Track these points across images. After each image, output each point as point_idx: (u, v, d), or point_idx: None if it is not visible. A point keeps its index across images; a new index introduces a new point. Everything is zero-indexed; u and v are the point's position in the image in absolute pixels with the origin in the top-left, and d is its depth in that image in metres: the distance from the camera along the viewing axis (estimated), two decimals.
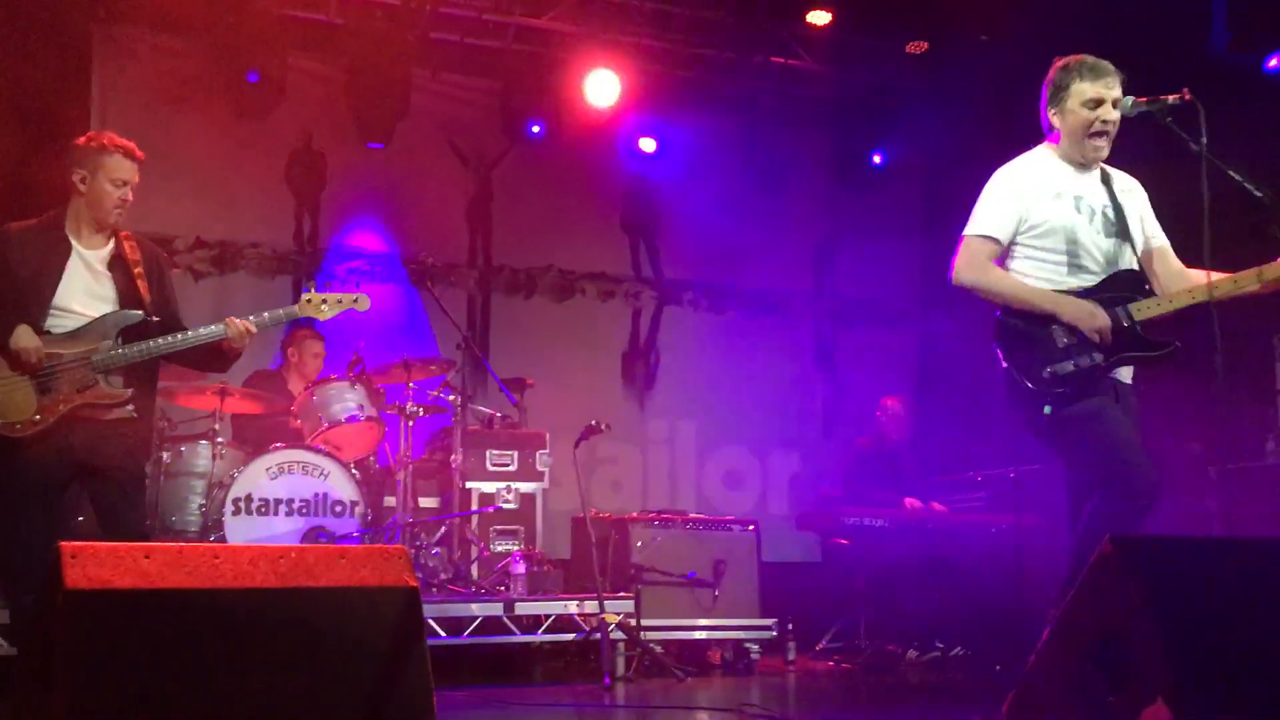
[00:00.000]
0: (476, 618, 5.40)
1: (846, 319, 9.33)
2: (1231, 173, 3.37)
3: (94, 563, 2.53)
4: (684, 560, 6.00)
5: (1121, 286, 3.63)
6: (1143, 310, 3.57)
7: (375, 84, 7.54)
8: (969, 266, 3.72)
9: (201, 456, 5.65)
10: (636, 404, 8.73)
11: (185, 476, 5.63)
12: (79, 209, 3.97)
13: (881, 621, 6.81)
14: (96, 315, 3.90)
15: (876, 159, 8.73)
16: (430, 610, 5.19)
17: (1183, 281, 3.63)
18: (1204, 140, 3.39)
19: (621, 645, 5.47)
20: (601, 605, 5.35)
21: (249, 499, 5.40)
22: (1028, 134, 3.92)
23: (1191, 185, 3.41)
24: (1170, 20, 6.52)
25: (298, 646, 2.69)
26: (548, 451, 6.77)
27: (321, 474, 5.54)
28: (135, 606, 2.54)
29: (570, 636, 5.62)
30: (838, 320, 9.33)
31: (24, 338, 3.76)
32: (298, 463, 5.52)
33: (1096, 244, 3.68)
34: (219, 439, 5.65)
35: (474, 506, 6.42)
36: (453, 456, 6.29)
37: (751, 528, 6.33)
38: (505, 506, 6.57)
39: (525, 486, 6.68)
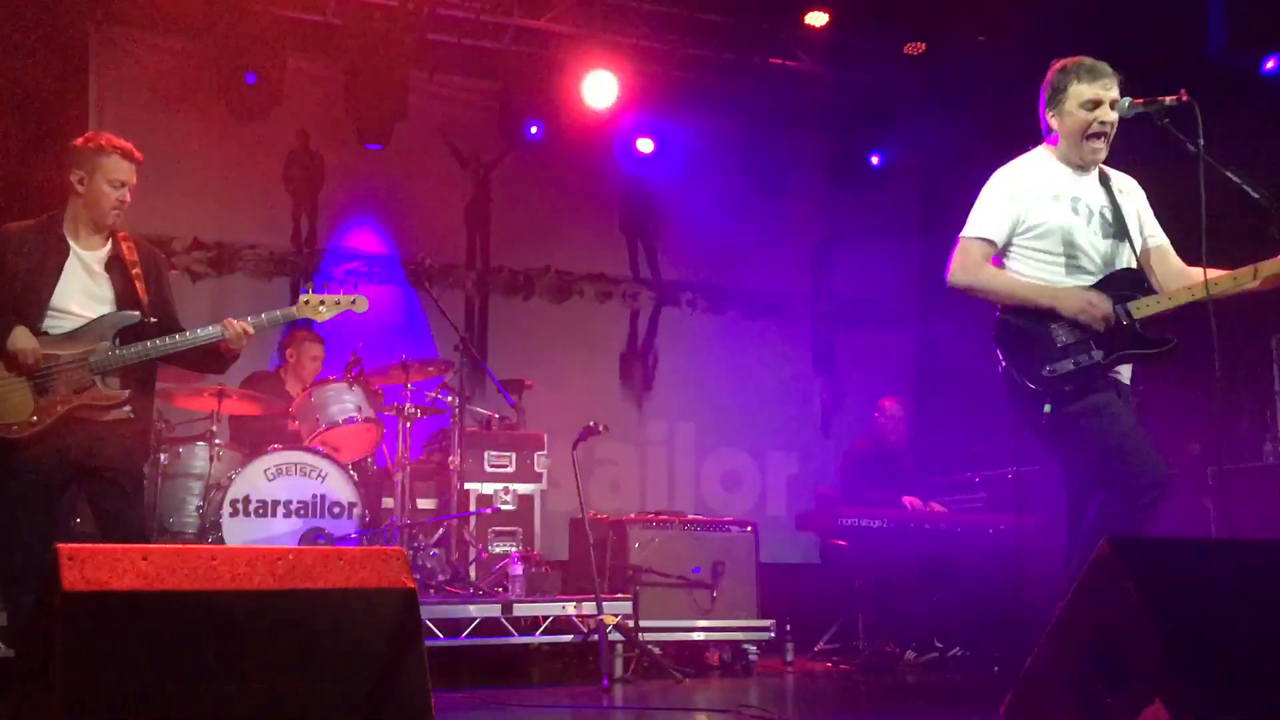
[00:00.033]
0: (474, 619, 5.40)
1: (844, 320, 9.34)
2: (1229, 174, 3.37)
3: (92, 565, 2.52)
4: (682, 561, 6.00)
5: (1120, 285, 3.63)
6: (1142, 308, 3.57)
7: (373, 85, 7.54)
8: (963, 268, 3.72)
9: (199, 458, 5.65)
10: (634, 405, 8.73)
11: (183, 478, 5.62)
12: (77, 210, 3.97)
13: (880, 622, 6.81)
14: (94, 316, 3.90)
15: (874, 160, 8.74)
16: (428, 611, 5.19)
17: (1183, 280, 3.64)
18: (1201, 142, 3.40)
19: (620, 646, 5.47)
20: (599, 606, 5.35)
21: (247, 500, 5.39)
22: (1025, 135, 3.92)
23: (1189, 187, 3.41)
24: (1167, 22, 6.53)
25: (295, 648, 2.69)
26: (546, 453, 6.77)
27: (319, 475, 5.53)
28: (133, 608, 2.53)
29: (568, 638, 5.61)
30: (836, 321, 9.33)
31: (21, 339, 3.76)
32: (295, 464, 5.52)
33: (1094, 245, 3.68)
34: (217, 440, 5.65)
35: (472, 508, 6.42)
36: (451, 458, 6.28)
37: (749, 529, 6.33)
38: (503, 508, 6.57)
39: (523, 488, 6.68)
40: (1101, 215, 3.71)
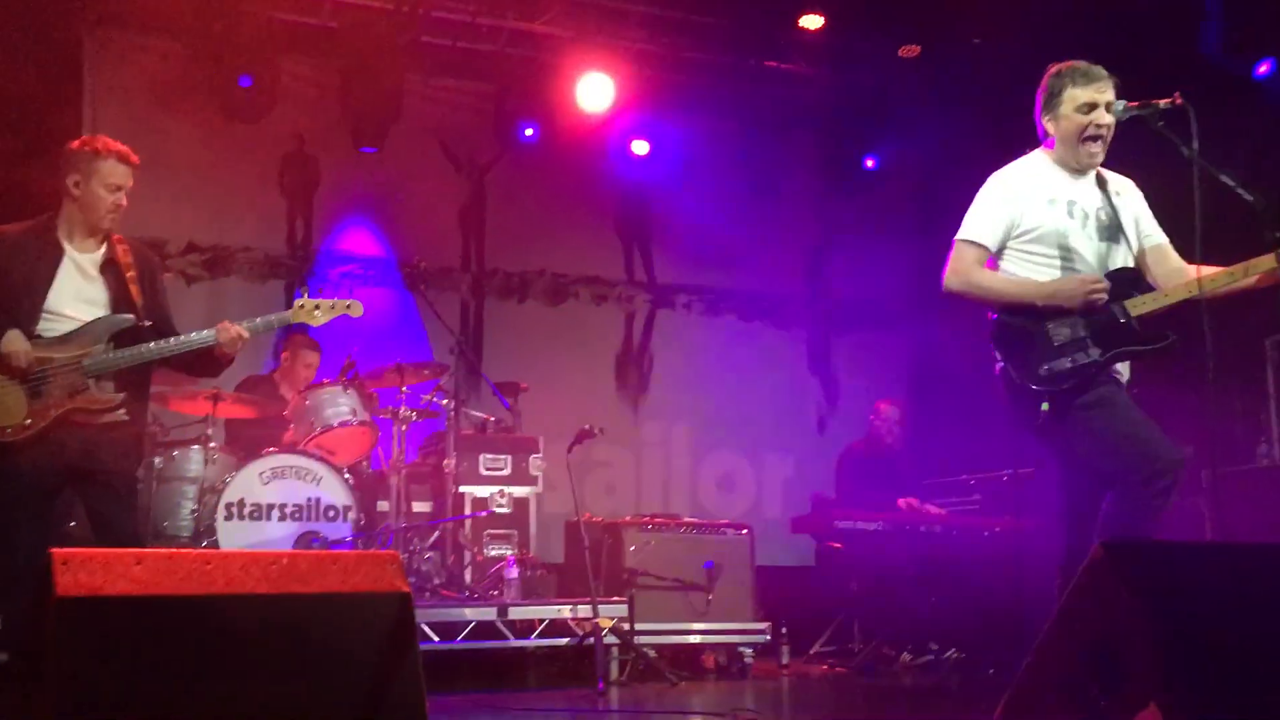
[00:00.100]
0: (470, 622, 5.40)
1: (840, 322, 9.35)
2: (1223, 177, 3.38)
3: (85, 570, 2.52)
4: (678, 564, 6.00)
5: (1117, 284, 3.64)
6: (1138, 306, 3.58)
7: (368, 88, 7.53)
8: (956, 272, 3.73)
9: (194, 461, 5.64)
10: (630, 408, 8.73)
11: (177, 481, 5.61)
12: (72, 213, 3.95)
13: (875, 625, 6.82)
14: (88, 319, 3.89)
15: (869, 162, 8.74)
16: (423, 615, 5.18)
17: (1181, 278, 3.64)
18: (1195, 144, 3.41)
19: (615, 650, 5.47)
20: (595, 610, 5.35)
21: (241, 504, 5.39)
22: (1021, 137, 3.92)
23: (1183, 189, 3.42)
24: (1162, 25, 6.55)
25: (290, 653, 2.69)
26: (541, 456, 6.77)
27: (314, 479, 5.53)
28: (127, 613, 2.53)
29: (564, 641, 5.61)
30: (831, 323, 9.34)
31: (13, 341, 3.75)
32: (290, 467, 5.51)
33: (1089, 248, 3.69)
34: (211, 444, 5.64)
35: (467, 511, 6.41)
36: (446, 461, 6.28)
37: (745, 531, 6.33)
38: (498, 511, 6.56)
39: (518, 491, 6.68)
40: (1097, 218, 3.72)
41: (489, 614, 5.43)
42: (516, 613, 5.52)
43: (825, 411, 9.21)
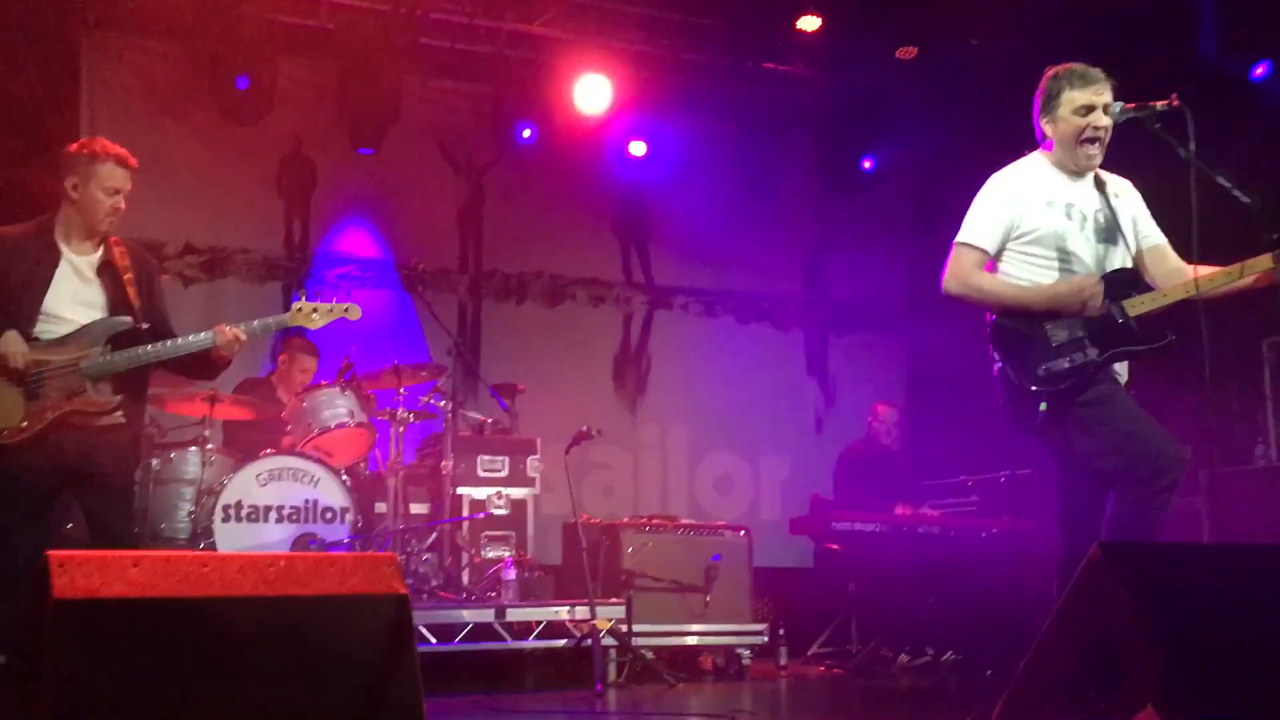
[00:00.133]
0: (467, 624, 5.39)
1: (837, 324, 9.36)
2: (1219, 178, 3.38)
3: (82, 572, 2.51)
4: (675, 566, 6.00)
5: (1115, 284, 3.64)
6: (1136, 306, 3.58)
7: (366, 90, 7.54)
8: (955, 275, 3.74)
9: (191, 463, 5.63)
10: (628, 409, 8.73)
11: (175, 483, 5.60)
12: (70, 216, 3.95)
13: (873, 626, 6.82)
14: (86, 322, 3.88)
15: (866, 164, 8.75)
16: (421, 617, 5.18)
17: (1179, 278, 3.65)
18: (1192, 146, 3.41)
19: (613, 651, 5.47)
20: (593, 611, 5.35)
21: (239, 506, 5.38)
22: (1018, 138, 3.93)
23: (1180, 191, 3.42)
24: (1159, 26, 6.55)
25: (287, 655, 2.68)
26: (539, 457, 6.77)
27: (312, 480, 5.52)
28: (124, 615, 2.53)
29: (562, 643, 5.61)
30: (828, 325, 9.35)
31: (9, 343, 3.74)
32: (288, 469, 5.50)
33: (1087, 250, 3.70)
34: (209, 445, 5.63)
35: (465, 513, 6.41)
36: (443, 462, 6.27)
37: (743, 533, 6.33)
38: (496, 512, 6.56)
39: (516, 492, 6.67)
40: (1095, 220, 3.73)
41: (487, 616, 5.43)
42: (514, 614, 5.52)
43: (823, 412, 9.22)
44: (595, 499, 7.86)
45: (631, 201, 8.85)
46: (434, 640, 5.27)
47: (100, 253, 3.99)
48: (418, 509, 6.62)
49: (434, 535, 6.18)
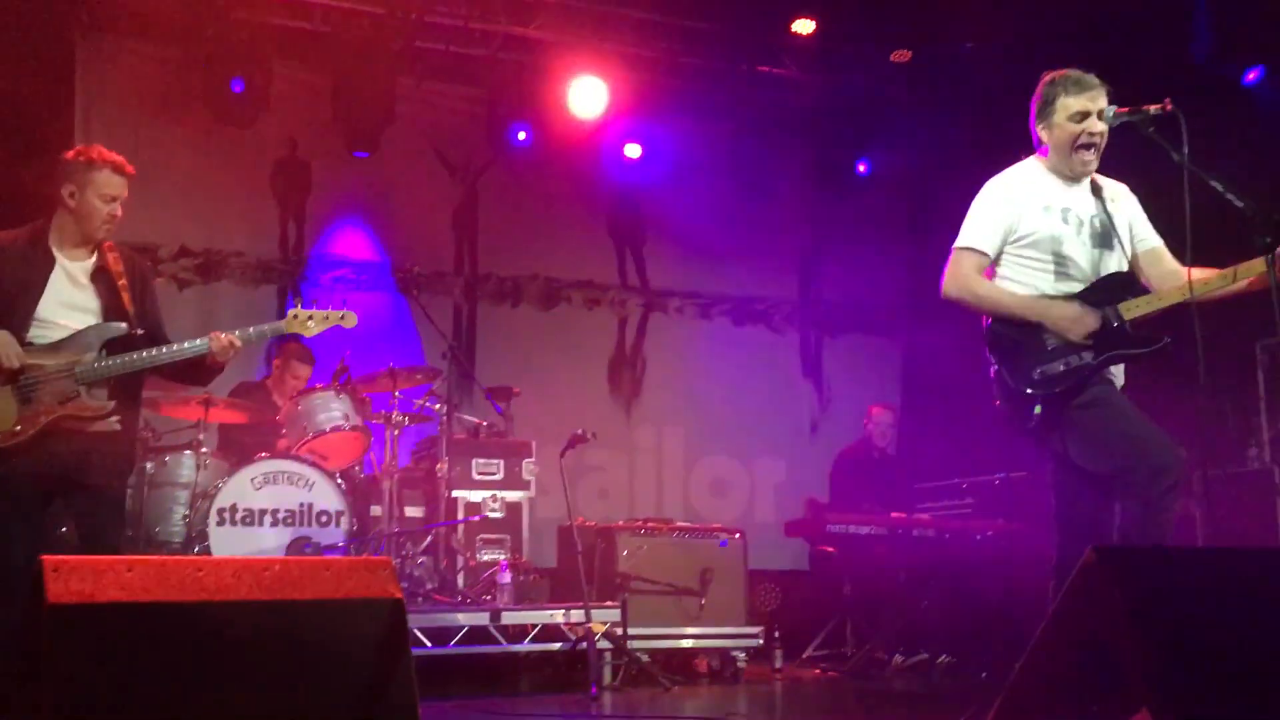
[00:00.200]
0: (462, 627, 5.39)
1: (832, 326, 9.37)
2: (1213, 182, 3.39)
3: (77, 576, 2.51)
4: (671, 569, 6.00)
5: (1111, 288, 3.66)
6: (1132, 309, 3.59)
7: (361, 92, 7.53)
8: (955, 280, 3.75)
9: (185, 467, 5.62)
10: (623, 412, 8.73)
11: (169, 487, 5.59)
12: (65, 222, 3.94)
13: (868, 629, 6.83)
14: (80, 327, 3.87)
15: (861, 167, 8.76)
16: (416, 620, 5.18)
17: (1176, 280, 3.66)
18: (1185, 150, 3.42)
19: (608, 654, 5.46)
20: (588, 614, 5.35)
21: (234, 509, 5.37)
22: (1012, 141, 3.94)
23: (1174, 195, 3.44)
24: (1153, 30, 6.57)
25: (282, 660, 2.68)
26: (534, 460, 6.76)
27: (307, 484, 5.52)
28: (119, 620, 2.52)
29: (557, 646, 5.61)
30: (823, 327, 9.36)
31: (1, 343, 3.72)
32: (283, 473, 5.50)
33: (1083, 254, 3.71)
34: (203, 449, 5.62)
35: (460, 516, 6.41)
36: (439, 466, 6.27)
37: (738, 535, 6.33)
38: (491, 516, 6.55)
39: (511, 495, 6.67)
40: (1092, 224, 3.74)
41: (482, 619, 5.42)
42: (509, 618, 5.51)
43: (817, 415, 9.23)
44: (590, 502, 7.86)
45: (626, 204, 8.86)
46: (429, 644, 5.27)
47: (94, 258, 3.98)
48: (413, 512, 6.61)
49: (429, 538, 6.18)
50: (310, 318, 4.28)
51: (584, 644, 5.26)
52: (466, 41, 7.93)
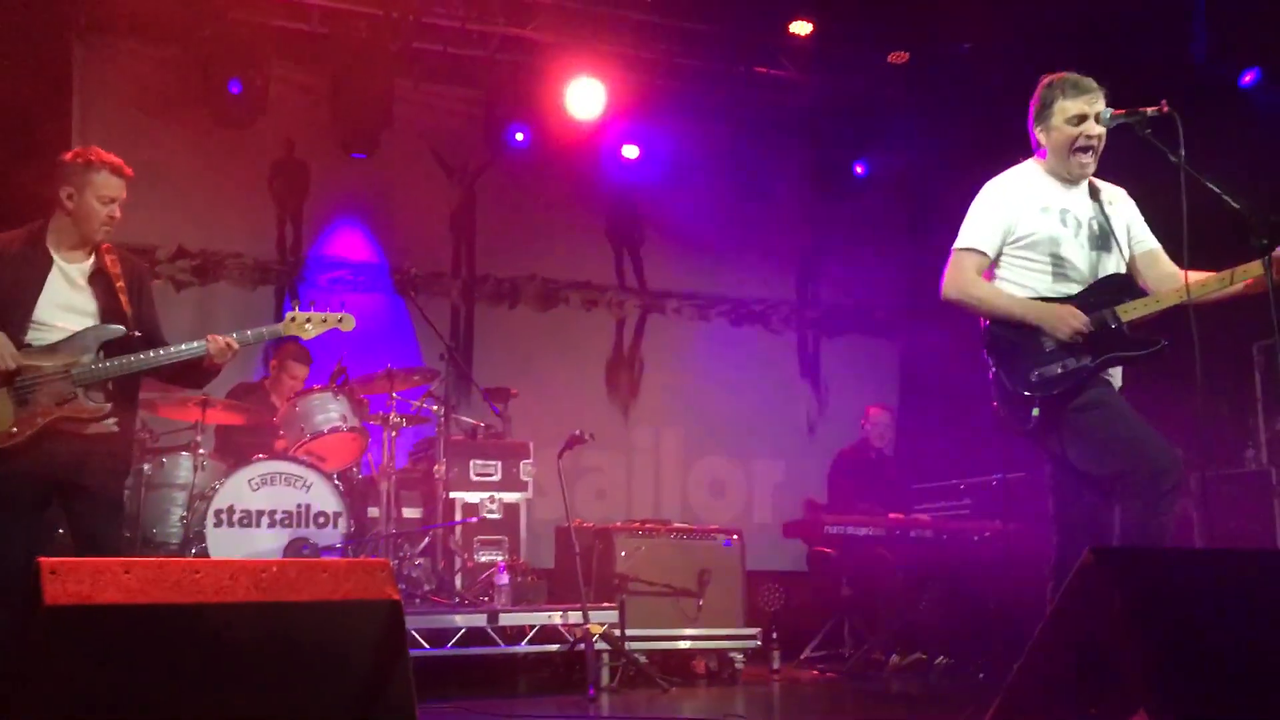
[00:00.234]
0: (460, 629, 5.38)
1: (830, 327, 9.38)
2: (1209, 184, 3.40)
3: (74, 578, 2.51)
4: (669, 570, 5.99)
5: (1108, 290, 3.66)
6: (1129, 311, 3.60)
7: (358, 94, 7.53)
8: (954, 281, 3.76)
9: (183, 468, 5.62)
10: (620, 413, 8.73)
11: (166, 488, 5.59)
12: (64, 224, 3.94)
13: (866, 630, 6.83)
14: (77, 329, 3.87)
15: (859, 168, 8.77)
16: (413, 621, 5.17)
17: (1173, 283, 3.66)
18: (1182, 152, 3.42)
19: (606, 656, 5.46)
20: (586, 616, 5.35)
21: (231, 511, 5.37)
22: (1009, 143, 3.94)
23: (1171, 196, 3.44)
24: (1150, 32, 6.58)
25: (280, 661, 2.68)
26: (531, 461, 6.76)
27: (304, 485, 5.51)
28: (116, 622, 2.52)
29: (554, 647, 5.60)
30: (821, 328, 9.37)
31: None
32: (280, 474, 5.49)
33: (1081, 256, 3.72)
34: (201, 450, 5.62)
35: (458, 517, 6.40)
36: (436, 467, 6.27)
37: (736, 537, 6.33)
38: (489, 517, 6.55)
39: (509, 497, 6.66)
40: (1090, 227, 3.75)
41: (479, 620, 5.42)
42: (507, 619, 5.51)
43: (815, 416, 9.23)
44: (588, 503, 7.86)
45: (624, 205, 8.86)
46: (426, 645, 5.26)
47: (92, 260, 3.98)
48: (410, 513, 6.61)
49: (426, 540, 6.18)
50: (308, 320, 4.28)
51: (582, 645, 5.26)
52: (464, 43, 7.93)
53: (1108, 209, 3.78)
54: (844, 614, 6.94)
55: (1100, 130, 3.66)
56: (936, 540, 6.84)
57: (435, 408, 6.28)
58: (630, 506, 8.35)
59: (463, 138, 8.39)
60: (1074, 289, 3.69)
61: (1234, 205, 3.35)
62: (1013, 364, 3.65)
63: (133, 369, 3.91)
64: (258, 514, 5.41)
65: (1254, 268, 3.43)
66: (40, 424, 3.75)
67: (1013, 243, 3.74)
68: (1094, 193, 3.80)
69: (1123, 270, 3.74)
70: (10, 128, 6.39)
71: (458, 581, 6.09)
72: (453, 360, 6.50)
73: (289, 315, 4.28)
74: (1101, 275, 3.71)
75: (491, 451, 6.72)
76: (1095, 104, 3.66)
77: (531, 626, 5.57)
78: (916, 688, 5.96)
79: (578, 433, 5.68)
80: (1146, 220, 3.87)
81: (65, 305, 3.89)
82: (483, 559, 6.42)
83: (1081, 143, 3.68)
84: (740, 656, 6.05)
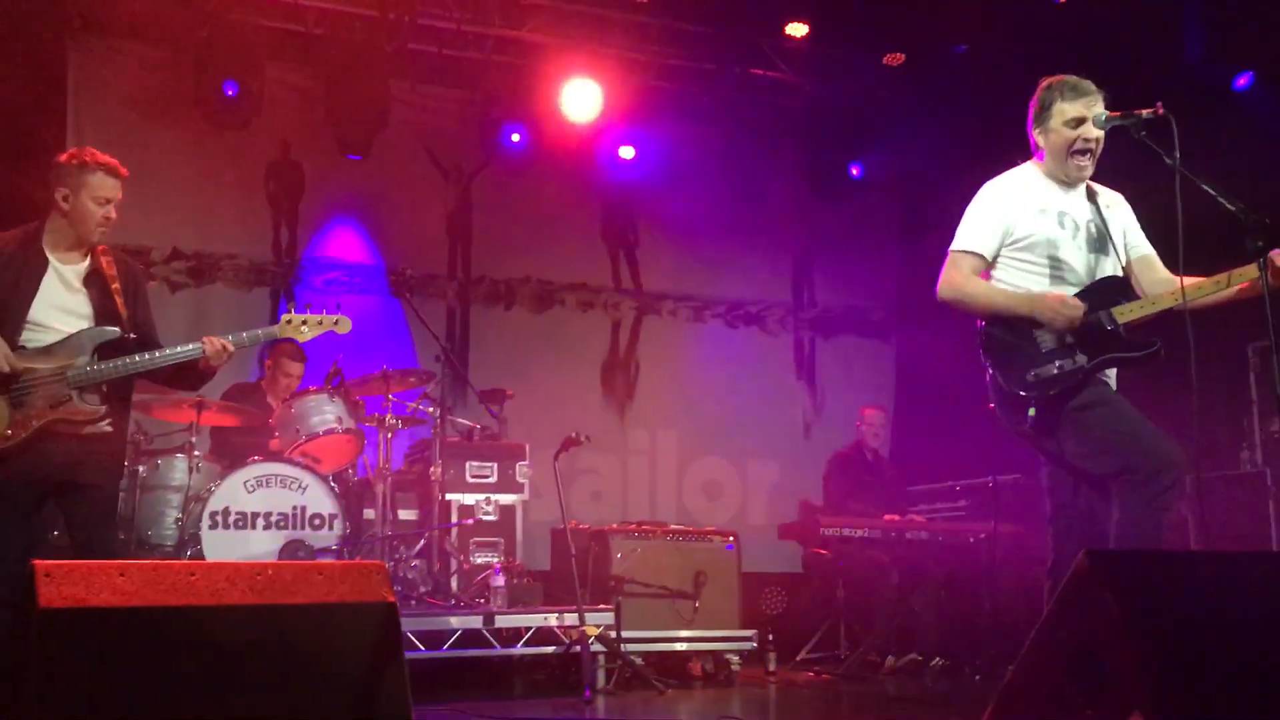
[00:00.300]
0: (456, 631, 5.38)
1: (825, 329, 9.38)
2: (1204, 186, 3.40)
3: (68, 581, 2.51)
4: (664, 572, 5.99)
5: (1105, 291, 3.67)
6: (1125, 313, 3.61)
7: (354, 95, 7.52)
8: (950, 282, 3.77)
9: (178, 470, 5.61)
10: (616, 415, 8.72)
11: (162, 490, 5.58)
12: (59, 225, 3.93)
13: (862, 631, 6.83)
14: (72, 331, 3.87)
15: (854, 170, 8.77)
16: (409, 624, 5.17)
17: (1167, 288, 3.67)
18: (1177, 154, 3.43)
19: (602, 658, 5.46)
20: (582, 617, 5.34)
21: (226, 513, 5.36)
22: (1005, 145, 3.95)
23: (1167, 199, 3.44)
24: (1146, 35, 6.59)
25: (275, 664, 2.68)
26: (527, 463, 6.76)
27: (300, 487, 5.51)
28: (111, 624, 2.52)
29: (550, 649, 5.60)
30: (817, 330, 9.37)
31: None
32: (276, 476, 5.48)
33: (1078, 259, 3.73)
34: (196, 452, 5.61)
35: (453, 519, 6.40)
36: (432, 468, 6.26)
37: (732, 538, 6.33)
38: (485, 519, 6.54)
39: (505, 498, 6.66)
40: (1088, 229, 3.75)
41: (475, 622, 5.42)
42: (503, 621, 5.50)
43: (811, 417, 9.23)
44: (584, 505, 7.86)
45: (620, 207, 8.86)
46: (422, 647, 5.26)
47: (88, 262, 3.97)
48: (406, 515, 6.60)
49: (422, 541, 6.17)
50: (304, 322, 4.27)
51: (578, 647, 5.26)
52: (460, 44, 7.92)
53: (1105, 212, 3.79)
54: (840, 615, 6.94)
55: (1098, 133, 3.67)
56: (932, 542, 6.84)
57: (431, 409, 6.28)
58: (626, 508, 8.34)
59: (458, 139, 8.39)
60: (1071, 291, 3.70)
61: (1229, 207, 3.35)
62: (1009, 364, 3.65)
63: (128, 371, 3.90)
64: (253, 516, 5.40)
65: (1250, 271, 3.43)
66: (35, 426, 3.74)
67: (1010, 244, 3.74)
68: (1091, 195, 3.81)
69: (1120, 273, 3.75)
70: (5, 129, 6.38)
71: (453, 583, 6.09)
72: (448, 362, 6.50)
73: (285, 317, 4.27)
74: (1099, 277, 3.72)
75: (487, 453, 6.71)
76: (1094, 107, 3.66)
77: (527, 628, 5.56)
78: (912, 689, 5.96)
79: (573, 434, 5.67)
80: (1143, 222, 3.88)
81: (61, 306, 3.88)
82: (478, 561, 6.42)
83: (1079, 145, 3.69)
84: (736, 658, 6.05)
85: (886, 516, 6.95)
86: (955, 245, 3.79)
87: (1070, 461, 3.62)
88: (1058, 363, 3.58)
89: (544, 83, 7.93)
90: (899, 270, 9.19)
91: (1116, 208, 3.86)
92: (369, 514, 6.19)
